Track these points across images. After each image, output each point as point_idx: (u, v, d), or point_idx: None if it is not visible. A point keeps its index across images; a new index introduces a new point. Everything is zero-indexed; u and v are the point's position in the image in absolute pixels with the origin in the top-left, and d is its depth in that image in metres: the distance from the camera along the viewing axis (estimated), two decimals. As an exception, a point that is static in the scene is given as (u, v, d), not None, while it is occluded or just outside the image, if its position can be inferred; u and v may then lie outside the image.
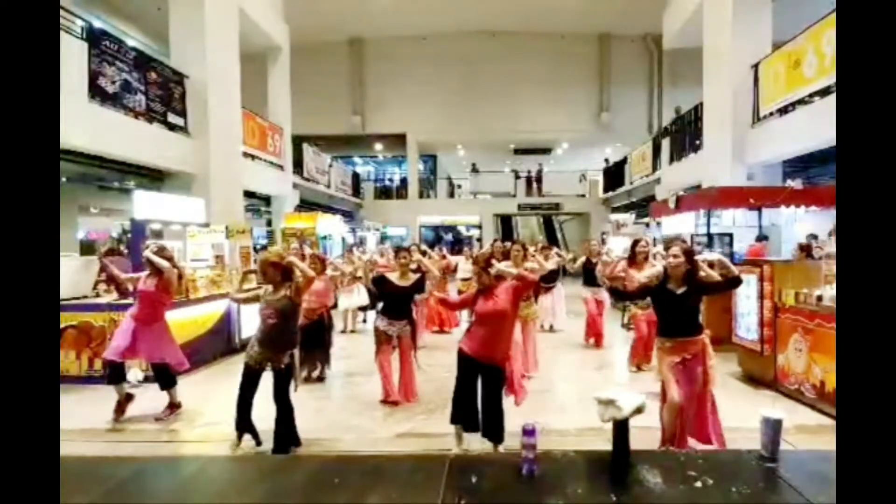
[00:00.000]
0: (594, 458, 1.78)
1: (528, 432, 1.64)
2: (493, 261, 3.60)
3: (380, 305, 4.88)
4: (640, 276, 4.68)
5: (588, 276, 7.16)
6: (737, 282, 3.43)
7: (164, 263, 4.36)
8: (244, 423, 3.62)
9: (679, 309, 3.32)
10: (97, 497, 1.57)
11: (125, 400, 4.42)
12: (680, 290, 3.29)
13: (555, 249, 7.98)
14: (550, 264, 7.28)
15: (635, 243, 5.79)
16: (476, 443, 3.56)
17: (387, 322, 4.65)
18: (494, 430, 3.42)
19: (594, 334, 7.11)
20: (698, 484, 1.56)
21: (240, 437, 3.66)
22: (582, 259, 7.21)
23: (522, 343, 5.49)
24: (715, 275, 3.57)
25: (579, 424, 4.04)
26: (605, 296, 6.98)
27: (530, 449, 1.63)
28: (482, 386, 3.46)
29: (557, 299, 8.10)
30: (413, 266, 4.88)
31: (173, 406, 4.48)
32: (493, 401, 3.45)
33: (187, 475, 1.83)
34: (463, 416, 3.51)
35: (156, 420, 4.34)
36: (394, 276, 4.73)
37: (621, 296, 3.94)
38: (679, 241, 3.73)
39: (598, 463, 1.73)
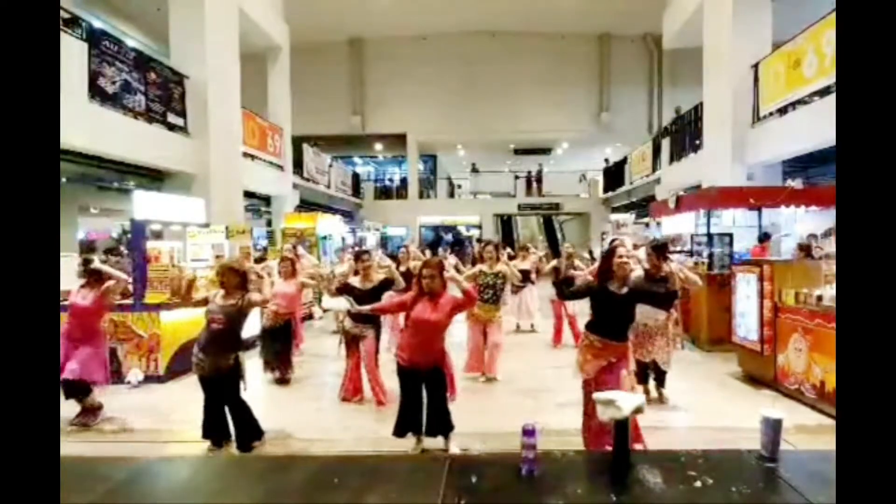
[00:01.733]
0: (594, 458, 1.79)
1: (528, 432, 1.64)
2: (447, 264, 3.59)
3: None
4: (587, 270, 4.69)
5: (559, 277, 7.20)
6: (674, 295, 3.45)
7: (119, 275, 4.33)
8: (217, 429, 3.67)
9: (619, 311, 3.26)
10: (97, 497, 1.57)
11: (98, 407, 4.37)
12: (621, 292, 3.23)
13: (533, 254, 7.99)
14: (526, 264, 7.28)
15: (611, 242, 5.84)
16: (431, 441, 3.61)
17: (352, 323, 4.70)
18: (443, 425, 3.52)
19: (573, 335, 7.13)
20: (698, 484, 1.56)
21: (215, 443, 3.70)
22: (554, 263, 7.22)
23: (489, 344, 5.45)
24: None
25: (579, 424, 4.02)
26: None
27: (530, 449, 1.63)
28: (427, 390, 3.51)
29: (530, 299, 8.09)
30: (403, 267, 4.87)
31: (96, 409, 4.36)
32: (439, 400, 3.51)
33: (187, 475, 1.83)
34: (409, 426, 3.55)
35: (83, 425, 4.25)
36: (356, 280, 4.71)
37: (566, 295, 3.80)
38: (623, 241, 3.70)
39: (598, 463, 1.74)
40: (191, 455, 3.70)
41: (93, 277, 4.32)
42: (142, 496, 1.66)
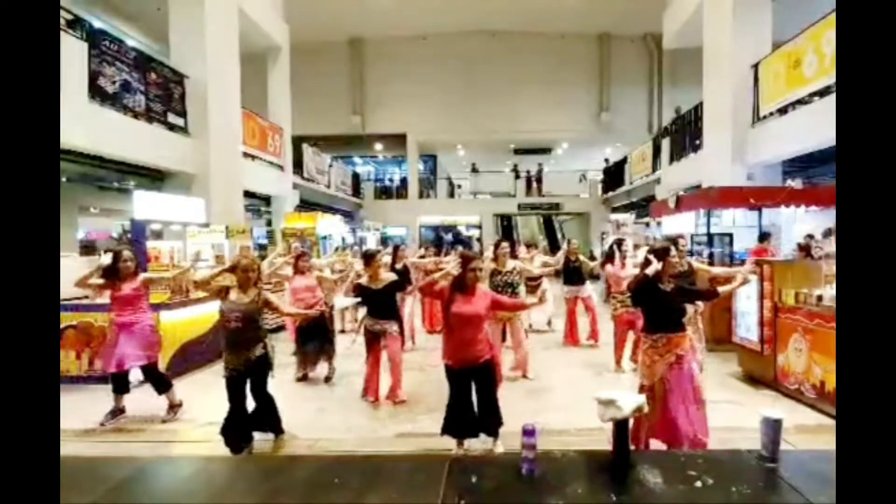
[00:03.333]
0: (594, 458, 1.78)
1: (528, 432, 1.65)
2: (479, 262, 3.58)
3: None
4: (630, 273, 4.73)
5: (567, 275, 7.18)
6: (714, 294, 3.56)
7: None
8: (239, 433, 3.61)
9: (669, 305, 3.32)
10: (97, 497, 1.57)
11: (120, 410, 4.41)
12: (669, 287, 3.32)
13: (540, 257, 7.96)
14: (534, 265, 7.27)
15: (619, 243, 5.85)
16: (476, 443, 3.58)
17: (372, 321, 4.71)
18: (495, 424, 3.46)
19: (591, 335, 7.11)
20: (698, 484, 1.56)
21: (235, 450, 3.62)
22: (560, 257, 7.19)
23: (513, 345, 5.48)
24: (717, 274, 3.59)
25: (579, 424, 4.04)
26: (586, 294, 7.14)
27: (530, 449, 1.63)
28: (477, 388, 3.47)
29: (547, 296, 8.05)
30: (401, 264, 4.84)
31: (174, 406, 4.49)
32: (490, 397, 3.48)
33: (187, 475, 1.83)
34: (459, 428, 3.51)
35: (163, 422, 4.36)
36: (364, 280, 4.75)
37: (637, 302, 3.94)
38: (666, 242, 3.74)
39: (598, 463, 1.73)
40: (191, 455, 3.70)
41: (124, 270, 4.33)
42: (142, 496, 1.66)
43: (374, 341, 4.74)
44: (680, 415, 3.20)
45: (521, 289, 5.58)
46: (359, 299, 4.64)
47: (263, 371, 3.65)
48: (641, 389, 3.35)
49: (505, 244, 5.51)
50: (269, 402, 3.71)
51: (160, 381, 4.48)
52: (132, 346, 4.31)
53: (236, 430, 3.60)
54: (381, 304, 4.70)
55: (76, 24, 6.73)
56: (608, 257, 5.86)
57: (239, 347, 3.56)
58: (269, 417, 3.71)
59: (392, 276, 4.88)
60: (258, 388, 3.65)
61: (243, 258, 3.82)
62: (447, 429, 3.54)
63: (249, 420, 3.66)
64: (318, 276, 5.71)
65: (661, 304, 3.32)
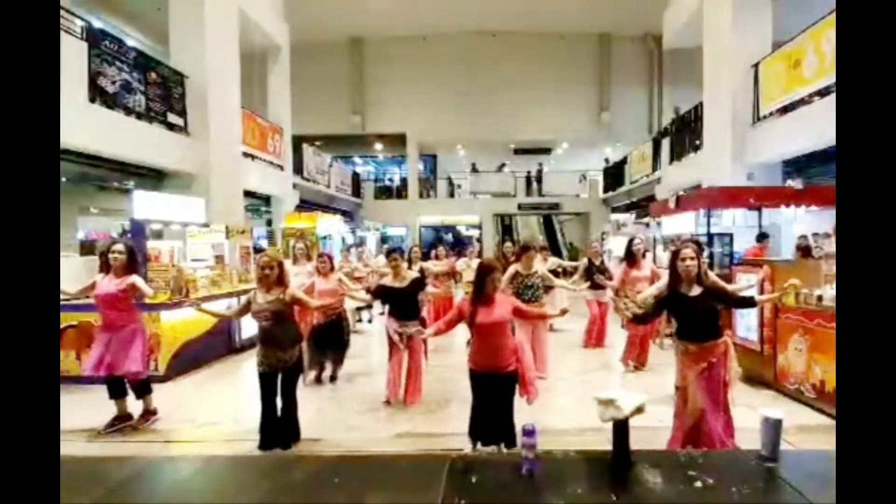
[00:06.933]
0: (594, 458, 1.78)
1: (528, 432, 1.65)
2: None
3: (386, 308, 4.93)
4: (649, 291, 4.68)
5: (591, 277, 7.17)
6: (750, 303, 3.54)
7: (146, 289, 4.25)
8: (277, 433, 3.60)
9: (696, 312, 3.23)
10: (97, 497, 1.57)
11: (124, 417, 4.26)
12: (693, 293, 3.21)
13: (551, 259, 7.99)
14: (549, 265, 7.27)
15: (630, 242, 5.88)
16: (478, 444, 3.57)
17: (397, 324, 4.64)
18: (510, 434, 3.40)
19: (597, 338, 7.09)
20: (698, 484, 1.56)
21: (267, 445, 3.58)
22: (584, 262, 7.19)
23: (531, 343, 5.47)
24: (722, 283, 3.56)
25: (579, 424, 4.04)
26: (607, 298, 7.05)
27: (530, 449, 1.63)
28: (496, 396, 3.41)
29: (559, 299, 8.07)
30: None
31: (149, 413, 4.33)
32: (507, 407, 3.42)
33: (187, 475, 1.83)
34: (483, 431, 3.45)
35: (133, 429, 4.20)
36: (388, 280, 4.73)
37: (644, 319, 3.86)
38: (689, 242, 3.65)
39: (598, 463, 1.73)
40: (191, 455, 3.69)
41: (118, 265, 4.13)
42: (142, 496, 1.66)
43: (397, 344, 4.67)
44: (708, 418, 3.21)
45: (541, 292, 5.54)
46: (363, 304, 4.62)
47: (296, 374, 3.65)
48: (676, 389, 3.39)
49: (533, 252, 5.49)
50: (296, 406, 3.67)
51: (141, 388, 4.30)
52: (119, 351, 4.12)
53: (274, 430, 3.59)
54: (405, 304, 4.66)
55: (75, 23, 6.73)
56: (629, 258, 5.86)
57: (272, 345, 3.55)
58: (292, 423, 3.67)
59: (415, 274, 4.86)
60: (288, 391, 3.62)
61: (263, 256, 3.78)
62: (473, 432, 3.45)
63: (279, 424, 3.63)
64: (339, 278, 5.65)
65: (687, 310, 3.25)
